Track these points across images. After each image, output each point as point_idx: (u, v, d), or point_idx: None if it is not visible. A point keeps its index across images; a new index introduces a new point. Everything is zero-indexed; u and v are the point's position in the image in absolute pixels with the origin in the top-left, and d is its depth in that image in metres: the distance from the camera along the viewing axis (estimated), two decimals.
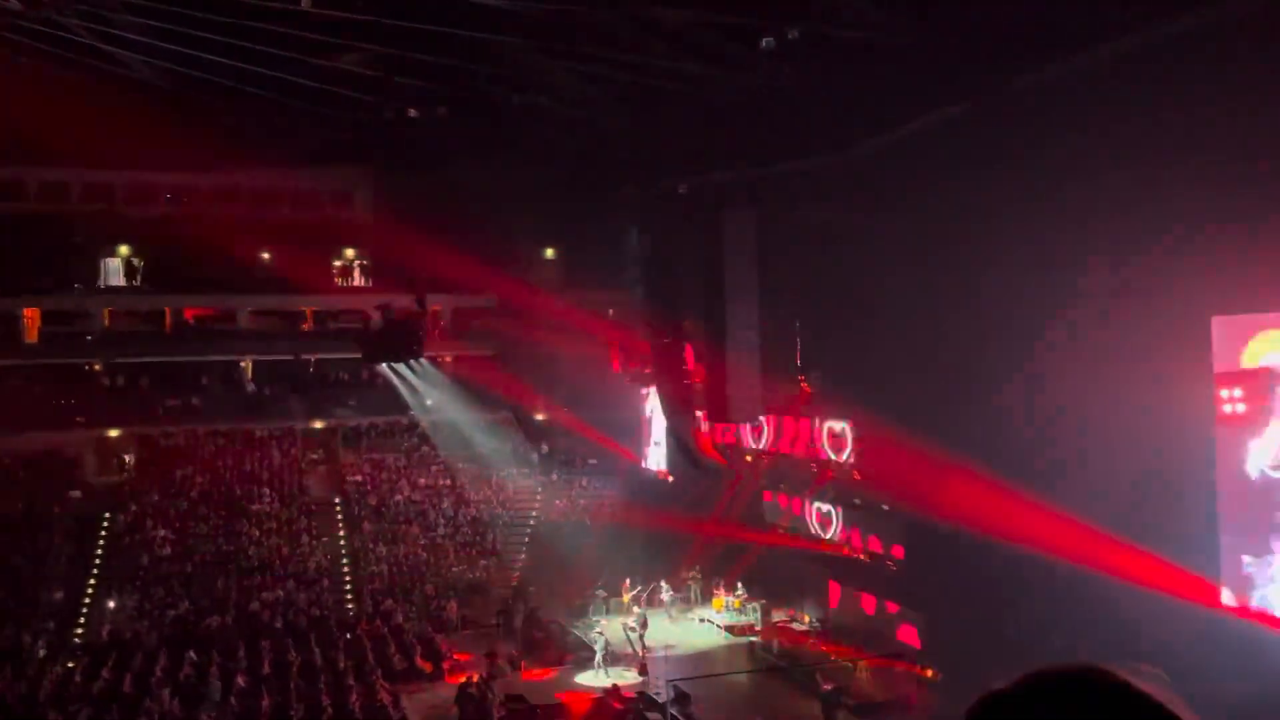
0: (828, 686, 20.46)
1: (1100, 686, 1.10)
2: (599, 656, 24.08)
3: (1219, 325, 16.07)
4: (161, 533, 30.94)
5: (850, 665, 23.41)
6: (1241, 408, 15.80)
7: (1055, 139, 16.53)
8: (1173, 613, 15.57)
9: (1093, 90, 16.27)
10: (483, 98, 24.13)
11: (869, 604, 25.91)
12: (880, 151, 21.42)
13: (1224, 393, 16.00)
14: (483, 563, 31.84)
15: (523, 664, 25.07)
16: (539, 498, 35.09)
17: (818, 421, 27.07)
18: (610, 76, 21.54)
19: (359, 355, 31.92)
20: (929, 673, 21.63)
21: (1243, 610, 15.80)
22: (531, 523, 34.03)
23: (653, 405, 33.86)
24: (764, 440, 29.17)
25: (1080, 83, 16.51)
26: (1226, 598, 16.09)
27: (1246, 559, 15.91)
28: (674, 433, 30.02)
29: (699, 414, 27.70)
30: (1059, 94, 16.85)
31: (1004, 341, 18.49)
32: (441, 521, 33.49)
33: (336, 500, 34.07)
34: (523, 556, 32.61)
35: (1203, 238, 14.48)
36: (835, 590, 27.35)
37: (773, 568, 29.12)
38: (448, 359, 38.58)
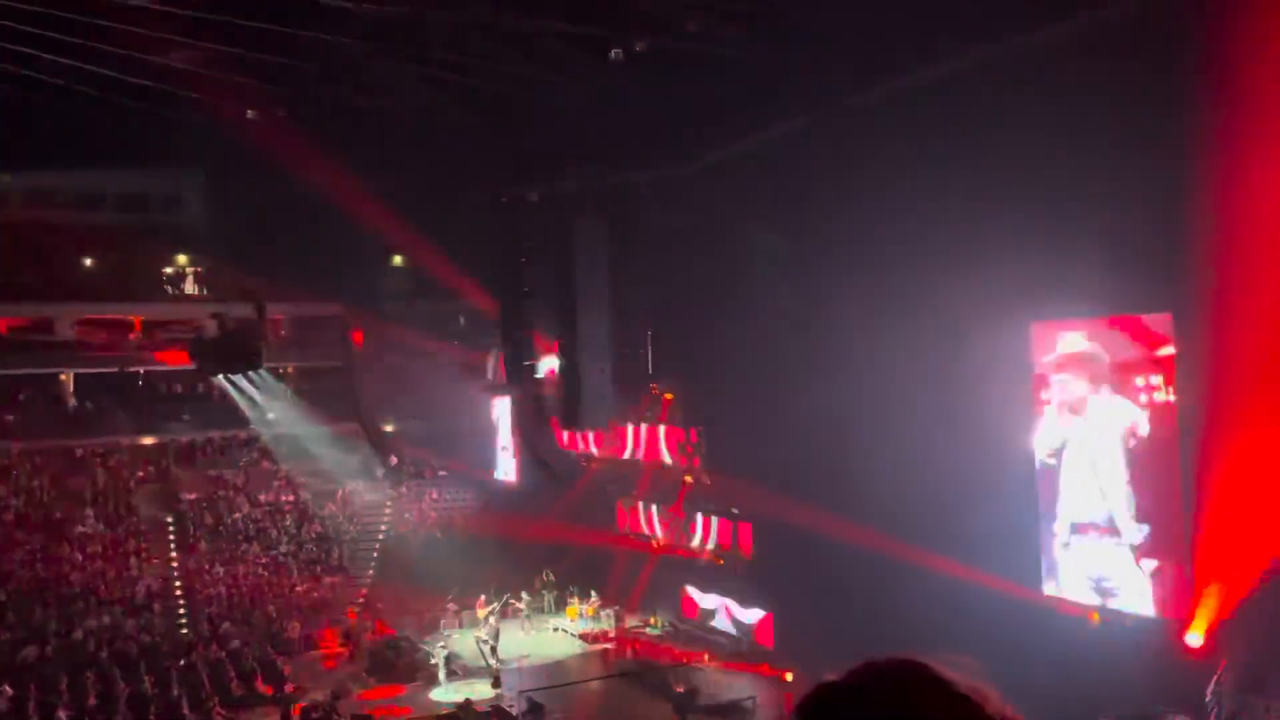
0: (680, 689, 20.74)
1: (915, 677, 1.18)
2: (441, 672, 23.71)
3: (1037, 330, 17.20)
4: None
5: (702, 667, 23.79)
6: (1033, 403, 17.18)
7: (890, 154, 17.33)
8: (1001, 603, 16.55)
9: (922, 108, 17.13)
10: (325, 100, 23.42)
11: (721, 606, 26.42)
12: (727, 162, 21.97)
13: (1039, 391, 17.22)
14: (328, 580, 30.82)
15: (371, 682, 24.40)
16: (388, 511, 34.23)
17: (671, 429, 27.49)
18: (458, 81, 21.29)
19: (192, 366, 30.36)
20: (782, 671, 22.15)
21: (1056, 600, 16.98)
22: (380, 537, 33.15)
23: (504, 414, 33.64)
24: (618, 448, 29.39)
25: (912, 100, 17.36)
26: (1048, 588, 17.25)
27: (1048, 552, 17.19)
28: (526, 441, 29.89)
29: (551, 422, 27.68)
30: (893, 110, 17.68)
31: (844, 347, 19.22)
32: (284, 539, 32.22)
33: (169, 519, 32.27)
34: (371, 572, 31.74)
35: (1023, 249, 15.45)
36: (688, 594, 27.77)
37: (626, 573, 29.31)
38: (289, 369, 37.19)
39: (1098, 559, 16.37)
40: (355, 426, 37.01)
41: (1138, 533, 15.69)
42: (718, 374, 24.23)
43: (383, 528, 33.51)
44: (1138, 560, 15.76)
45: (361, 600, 30.18)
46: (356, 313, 37.07)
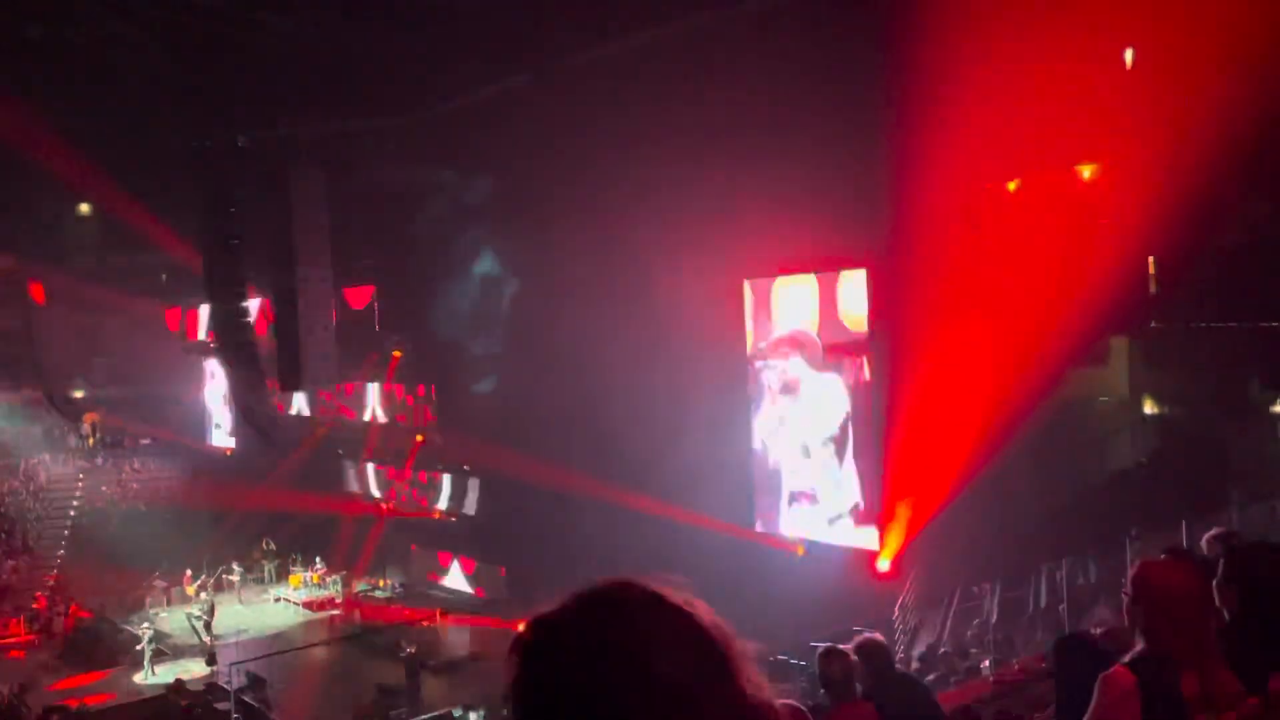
0: (410, 650, 20.51)
1: (628, 595, 1.23)
2: (147, 656, 22.12)
3: (750, 287, 18.23)
4: None
5: (432, 626, 23.62)
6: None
7: (609, 113, 17.63)
8: (721, 543, 17.61)
9: (641, 69, 17.50)
10: None
11: (451, 563, 26.33)
12: (453, 115, 21.53)
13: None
14: (10, 563, 27.81)
15: (67, 671, 22.35)
16: (81, 484, 31.19)
17: (400, 388, 26.88)
18: (149, 12, 19.41)
19: None
20: (513, 623, 22.40)
21: (765, 537, 18.38)
22: (72, 513, 30.20)
23: (215, 376, 31.54)
24: (343, 408, 28.42)
25: (631, 61, 17.70)
26: (758, 527, 18.57)
27: (763, 509, 18.47)
28: (241, 404, 28.12)
29: (268, 384, 26.18)
30: (612, 71, 17.96)
31: (569, 303, 19.51)
32: None
33: None
34: (62, 552, 28.90)
35: (734, 209, 16.27)
36: (417, 553, 27.44)
37: (353, 537, 28.53)
38: None
39: (807, 523, 17.76)
40: (38, 394, 33.32)
41: (840, 503, 17.09)
42: (448, 330, 23.89)
43: (75, 503, 30.56)
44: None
45: (52, 583, 27.48)
46: (36, 266, 33.15)
